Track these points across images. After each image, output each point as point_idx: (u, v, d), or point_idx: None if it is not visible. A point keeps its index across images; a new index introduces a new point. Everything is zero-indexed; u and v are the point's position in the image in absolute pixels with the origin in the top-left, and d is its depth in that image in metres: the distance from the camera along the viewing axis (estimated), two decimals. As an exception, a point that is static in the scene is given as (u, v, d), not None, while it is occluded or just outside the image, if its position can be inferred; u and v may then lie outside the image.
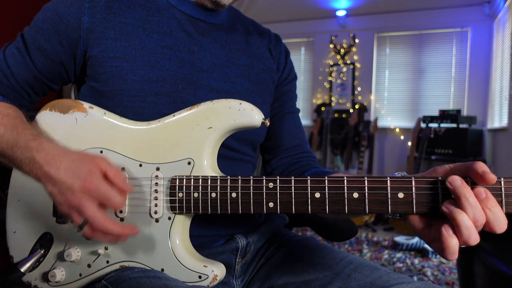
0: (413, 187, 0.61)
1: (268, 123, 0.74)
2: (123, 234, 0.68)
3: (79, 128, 0.78)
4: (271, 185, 0.68)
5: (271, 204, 0.68)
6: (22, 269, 0.76)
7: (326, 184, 0.65)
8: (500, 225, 0.55)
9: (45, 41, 0.82)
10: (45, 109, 0.81)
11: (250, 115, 0.73)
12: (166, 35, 0.85)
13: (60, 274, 0.76)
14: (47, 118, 0.81)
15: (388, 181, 0.62)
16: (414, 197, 0.60)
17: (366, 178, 0.63)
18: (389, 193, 0.62)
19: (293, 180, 0.67)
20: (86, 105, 0.80)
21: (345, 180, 0.64)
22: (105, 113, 0.79)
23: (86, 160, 0.68)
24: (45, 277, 0.78)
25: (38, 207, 0.79)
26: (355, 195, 0.63)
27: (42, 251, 0.78)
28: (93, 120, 0.78)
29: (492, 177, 0.54)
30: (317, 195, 0.65)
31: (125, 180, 0.69)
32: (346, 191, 0.64)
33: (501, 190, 0.57)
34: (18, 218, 0.81)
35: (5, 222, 0.82)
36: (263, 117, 0.74)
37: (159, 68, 0.82)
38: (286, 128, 1.01)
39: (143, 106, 0.80)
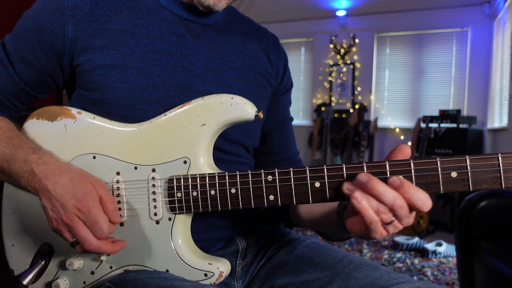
0: (412, 169, 0.61)
1: (262, 115, 0.73)
2: (114, 253, 0.70)
3: (69, 135, 0.76)
4: (270, 178, 0.67)
5: (271, 197, 0.67)
6: (24, 282, 0.75)
7: (325, 173, 0.64)
8: (423, 204, 0.57)
9: (29, 52, 0.79)
10: (31, 118, 0.79)
11: (243, 108, 0.72)
12: (157, 39, 0.81)
13: (63, 283, 0.75)
14: (35, 127, 0.78)
15: (387, 165, 0.61)
16: (413, 178, 0.61)
17: (365, 164, 0.62)
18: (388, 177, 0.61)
19: (291, 171, 0.66)
20: (74, 110, 0.77)
21: (344, 168, 0.63)
22: (94, 118, 0.77)
23: (86, 181, 0.68)
24: None
25: (34, 218, 0.78)
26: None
27: (43, 262, 0.77)
28: (82, 126, 0.76)
29: (403, 146, 0.62)
30: (317, 184, 0.65)
31: (116, 211, 0.70)
32: (345, 178, 0.63)
33: (499, 166, 0.57)
34: (15, 230, 0.80)
35: (2, 236, 0.81)
36: (256, 110, 0.72)
37: (149, 75, 0.79)
38: (280, 141, 1.00)
39: (133, 114, 0.77)
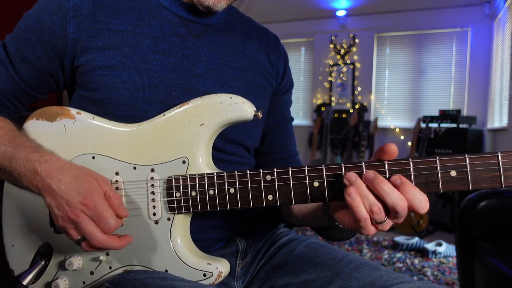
0: (411, 168, 0.61)
1: (261, 115, 0.73)
2: (121, 248, 0.69)
3: (68, 135, 0.76)
4: (268, 177, 0.67)
5: (270, 197, 0.67)
6: (24, 282, 0.74)
7: (324, 173, 0.64)
8: (421, 205, 0.58)
9: (30, 52, 0.79)
10: (31, 118, 0.79)
11: (242, 108, 0.72)
12: (158, 40, 0.81)
13: (63, 284, 0.75)
14: (35, 127, 0.78)
15: (386, 164, 0.61)
16: (412, 177, 0.60)
17: (363, 164, 0.62)
18: (387, 176, 0.61)
19: (290, 171, 0.66)
20: (73, 111, 0.77)
21: (343, 167, 0.63)
22: (93, 118, 0.77)
23: (89, 177, 0.68)
24: None
25: (34, 219, 0.78)
26: None
27: (42, 262, 0.77)
28: (82, 126, 0.76)
29: (392, 146, 0.60)
30: (316, 184, 0.65)
31: (122, 205, 0.70)
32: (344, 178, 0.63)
33: (498, 165, 0.57)
34: (15, 231, 0.80)
35: (2, 236, 0.81)
36: (255, 109, 0.72)
37: (150, 75, 0.79)
38: (280, 141, 1.00)
39: (134, 114, 0.77)
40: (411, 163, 0.60)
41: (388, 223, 0.61)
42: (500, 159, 0.57)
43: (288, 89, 1.03)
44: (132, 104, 0.78)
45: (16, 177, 0.70)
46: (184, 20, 0.85)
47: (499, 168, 0.57)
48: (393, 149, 0.60)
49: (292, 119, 1.05)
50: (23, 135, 0.76)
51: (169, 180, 0.72)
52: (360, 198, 0.59)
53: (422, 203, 0.58)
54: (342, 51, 5.15)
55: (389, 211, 0.59)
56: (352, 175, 0.60)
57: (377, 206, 0.58)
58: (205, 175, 0.70)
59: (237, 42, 0.92)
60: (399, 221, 0.61)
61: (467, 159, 0.58)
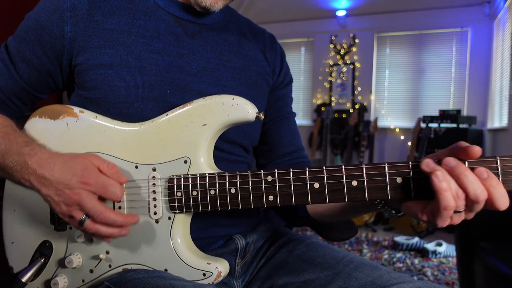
0: (411, 172, 0.61)
1: (263, 117, 0.73)
2: (126, 224, 0.68)
3: (71, 133, 0.77)
4: (269, 178, 0.68)
5: (271, 198, 0.68)
6: (23, 279, 0.75)
7: (325, 174, 0.65)
8: (503, 202, 0.55)
9: (30, 52, 0.81)
10: (34, 116, 0.79)
11: (244, 109, 0.72)
12: (153, 39, 0.83)
13: (62, 281, 0.76)
14: (37, 125, 0.78)
15: (386, 167, 0.62)
16: (411, 181, 0.61)
17: (364, 166, 0.63)
18: (387, 179, 0.62)
19: (291, 172, 0.67)
20: (76, 109, 0.78)
21: (343, 169, 0.64)
22: (96, 117, 0.77)
23: (79, 158, 0.69)
24: (47, 286, 0.77)
25: (34, 216, 0.78)
26: (354, 183, 0.63)
27: (42, 260, 0.77)
28: (84, 125, 0.77)
29: (476, 149, 0.56)
30: (316, 185, 0.65)
31: (120, 172, 0.71)
32: (345, 179, 0.64)
33: (497, 169, 0.57)
34: (15, 228, 0.80)
35: (2, 233, 0.81)
36: (257, 111, 0.73)
37: (145, 74, 0.80)
38: (282, 135, 1.00)
39: (130, 112, 0.78)
40: (410, 165, 0.61)
41: (461, 217, 0.58)
42: (499, 163, 0.57)
43: (286, 85, 1.03)
44: (127, 102, 0.79)
45: (9, 172, 0.71)
46: (180, 19, 0.86)
47: (498, 173, 0.57)
48: (477, 151, 0.57)
49: (293, 114, 1.04)
50: (18, 131, 0.77)
51: (170, 180, 0.72)
52: (448, 183, 0.55)
53: (506, 199, 0.55)
54: (342, 51, 5.16)
55: (468, 201, 0.56)
56: (431, 162, 0.58)
57: (461, 191, 0.55)
58: (207, 175, 0.71)
59: (233, 42, 0.93)
60: (470, 215, 0.58)
61: (466, 163, 0.58)
